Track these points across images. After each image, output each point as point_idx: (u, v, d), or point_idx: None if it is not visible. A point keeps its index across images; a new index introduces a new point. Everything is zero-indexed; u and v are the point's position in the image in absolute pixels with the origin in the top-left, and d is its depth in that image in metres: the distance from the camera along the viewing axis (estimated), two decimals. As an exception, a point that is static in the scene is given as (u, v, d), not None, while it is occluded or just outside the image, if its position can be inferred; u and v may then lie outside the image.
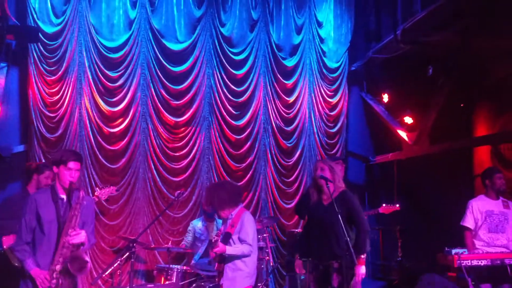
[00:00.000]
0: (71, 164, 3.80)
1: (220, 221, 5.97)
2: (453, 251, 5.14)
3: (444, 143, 7.13)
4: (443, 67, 7.00)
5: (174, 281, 5.85)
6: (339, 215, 4.34)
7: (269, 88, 7.78)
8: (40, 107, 6.46)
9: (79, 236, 3.69)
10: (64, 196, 3.84)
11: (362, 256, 4.61)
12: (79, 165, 3.88)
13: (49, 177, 5.18)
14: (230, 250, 4.65)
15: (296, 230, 7.20)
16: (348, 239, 4.29)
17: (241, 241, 4.70)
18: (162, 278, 5.94)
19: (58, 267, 3.66)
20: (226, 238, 4.75)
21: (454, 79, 6.95)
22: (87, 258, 3.79)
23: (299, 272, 5.06)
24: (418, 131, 7.56)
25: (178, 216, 6.99)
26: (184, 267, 6.13)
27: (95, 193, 5.77)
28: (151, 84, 7.06)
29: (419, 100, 7.55)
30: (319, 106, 8.07)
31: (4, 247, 4.76)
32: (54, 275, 3.64)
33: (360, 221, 4.69)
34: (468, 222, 5.50)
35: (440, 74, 7.05)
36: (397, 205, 5.80)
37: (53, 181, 4.04)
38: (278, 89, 7.82)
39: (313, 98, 8.05)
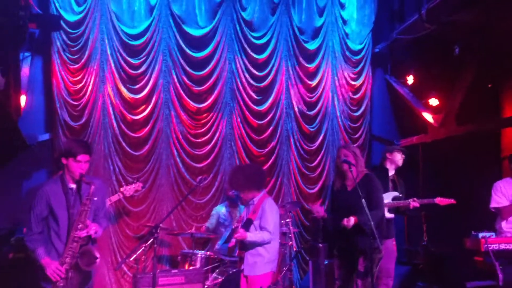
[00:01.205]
0: (80, 157, 3.82)
1: (243, 207, 5.98)
2: (480, 235, 5.07)
3: (471, 125, 6.97)
4: (469, 47, 6.80)
5: (198, 266, 5.91)
6: (363, 200, 4.33)
7: (291, 72, 7.70)
8: (64, 95, 6.54)
9: (88, 230, 3.78)
10: (73, 186, 3.88)
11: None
12: (88, 157, 3.91)
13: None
14: (250, 236, 4.67)
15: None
16: (372, 223, 4.27)
17: (262, 228, 4.70)
18: (186, 264, 6.01)
19: (68, 259, 3.72)
20: (248, 224, 4.77)
21: (481, 59, 6.76)
22: (98, 254, 3.81)
23: (317, 214, 5.00)
24: (444, 113, 7.40)
25: (201, 202, 7.03)
26: (208, 253, 6.19)
27: (121, 189, 5.83)
28: (173, 71, 7.06)
29: (445, 81, 7.37)
30: (342, 89, 7.95)
31: None
32: (64, 267, 3.70)
33: (377, 205, 4.67)
34: (497, 202, 5.41)
35: (466, 54, 6.86)
36: (453, 199, 5.73)
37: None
38: (300, 72, 7.73)
39: (336, 81, 7.93)
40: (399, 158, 5.88)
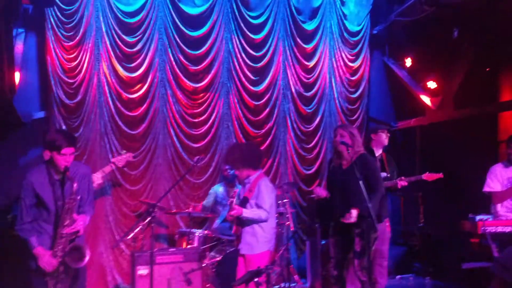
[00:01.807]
0: (65, 150, 3.73)
1: (240, 187, 5.96)
2: (477, 218, 5.10)
3: (469, 108, 6.97)
4: (468, 30, 6.77)
5: (195, 245, 5.91)
6: (359, 180, 4.31)
7: (288, 52, 7.62)
8: (59, 73, 6.44)
9: (75, 226, 3.74)
10: (59, 177, 3.82)
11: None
12: (74, 149, 3.82)
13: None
14: (246, 213, 4.65)
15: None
16: (370, 205, 4.26)
17: (258, 207, 4.69)
18: (184, 242, 6.01)
19: (59, 253, 3.70)
20: (244, 203, 4.75)
21: (480, 41, 6.72)
22: (88, 252, 3.78)
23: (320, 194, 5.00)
24: (442, 96, 7.40)
25: (199, 181, 7.00)
26: (206, 232, 6.19)
27: (112, 160, 5.79)
28: (169, 49, 6.97)
29: (444, 64, 7.35)
30: (340, 71, 7.90)
31: None
32: (57, 259, 3.67)
33: (376, 184, 4.68)
34: (490, 187, 5.44)
35: (465, 37, 6.83)
36: (441, 173, 5.72)
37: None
38: (297, 53, 7.66)
39: (334, 63, 7.88)
40: (384, 137, 5.87)
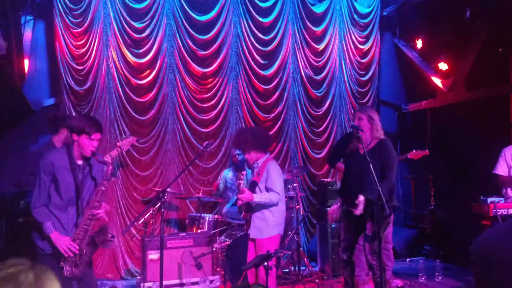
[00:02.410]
0: (94, 136, 3.72)
1: (250, 171, 5.96)
2: (489, 200, 5.07)
3: (481, 89, 6.86)
4: (481, 10, 6.62)
5: (205, 229, 5.95)
6: (371, 165, 4.25)
7: (297, 35, 7.56)
8: (68, 60, 6.46)
9: (102, 210, 3.77)
10: (80, 162, 3.79)
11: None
12: (100, 136, 3.82)
13: None
14: (257, 197, 4.59)
15: (326, 179, 7.15)
16: (380, 189, 4.21)
17: (268, 190, 4.63)
18: (194, 227, 6.05)
19: (81, 236, 3.68)
20: (253, 187, 4.70)
21: (492, 22, 6.58)
22: (113, 234, 3.81)
23: (330, 222, 5.03)
24: (453, 78, 7.29)
25: (208, 166, 7.03)
26: (216, 216, 6.22)
27: (118, 144, 5.81)
28: (177, 34, 6.95)
29: (455, 46, 7.21)
30: (350, 53, 7.83)
31: None
32: (77, 243, 3.65)
33: (389, 173, 4.60)
34: (500, 169, 5.38)
35: (477, 17, 6.68)
36: (426, 150, 5.67)
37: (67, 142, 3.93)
38: (307, 36, 7.60)
39: (344, 45, 7.80)
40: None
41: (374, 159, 4.35)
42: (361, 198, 4.51)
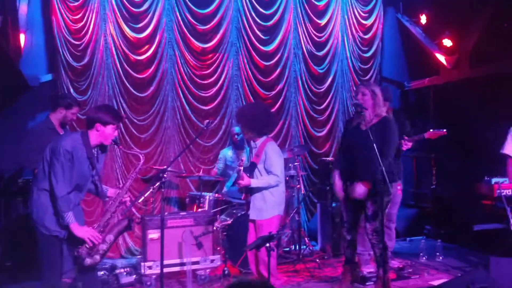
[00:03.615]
0: (118, 125, 3.79)
1: (248, 149, 5.88)
2: (493, 180, 5.00)
3: (485, 67, 6.75)
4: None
5: (206, 208, 5.91)
6: (374, 143, 4.18)
7: (299, 10, 7.40)
8: (65, 34, 6.30)
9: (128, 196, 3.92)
10: (95, 151, 3.76)
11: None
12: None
13: (75, 114, 5.17)
14: (255, 182, 4.51)
15: (328, 158, 7.10)
16: (383, 168, 4.14)
17: (268, 171, 4.54)
18: (195, 206, 6.02)
19: (105, 223, 3.72)
20: (252, 168, 4.62)
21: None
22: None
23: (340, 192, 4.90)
24: (457, 55, 7.17)
25: (208, 145, 6.95)
26: (216, 195, 6.18)
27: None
28: (176, 8, 6.78)
29: (460, 21, 7.07)
30: (353, 28, 7.68)
31: None
32: (102, 235, 3.66)
33: (387, 149, 4.50)
34: (509, 149, 5.29)
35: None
36: (444, 130, 5.35)
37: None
38: (308, 11, 7.44)
39: (346, 20, 7.65)
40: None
41: (375, 136, 4.27)
42: (361, 190, 4.48)
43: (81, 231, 3.57)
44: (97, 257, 3.61)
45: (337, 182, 4.83)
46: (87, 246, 3.59)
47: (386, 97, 5.25)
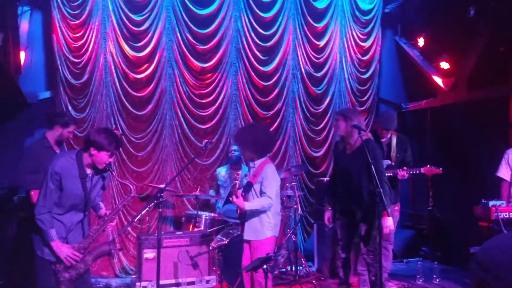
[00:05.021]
0: (113, 153, 3.73)
1: (247, 168, 5.87)
2: (490, 203, 5.00)
3: (482, 90, 6.79)
4: (485, 9, 6.54)
5: (202, 228, 5.88)
6: (367, 164, 4.26)
7: (298, 31, 7.46)
8: (65, 52, 6.35)
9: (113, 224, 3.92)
10: (89, 172, 3.73)
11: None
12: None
13: (72, 132, 5.17)
14: (249, 206, 4.47)
15: (325, 178, 7.09)
16: (382, 190, 4.17)
17: (262, 193, 4.51)
18: (190, 225, 5.98)
19: (86, 244, 3.68)
20: (248, 188, 4.61)
21: (496, 21, 6.50)
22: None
23: (327, 224, 5.05)
24: (455, 77, 7.22)
25: (206, 163, 6.94)
26: (212, 214, 6.14)
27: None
28: (177, 28, 6.84)
29: (457, 45, 7.14)
30: (351, 50, 7.73)
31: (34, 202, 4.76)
32: (81, 252, 3.64)
33: (381, 176, 4.53)
34: (503, 172, 5.32)
35: (481, 16, 6.60)
36: (440, 169, 5.52)
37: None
38: (307, 32, 7.50)
39: (345, 42, 7.71)
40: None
41: (359, 159, 4.39)
42: (389, 222, 4.56)
43: (61, 250, 3.55)
44: (73, 273, 3.62)
45: (327, 213, 5.02)
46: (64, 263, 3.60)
47: (384, 126, 5.41)
